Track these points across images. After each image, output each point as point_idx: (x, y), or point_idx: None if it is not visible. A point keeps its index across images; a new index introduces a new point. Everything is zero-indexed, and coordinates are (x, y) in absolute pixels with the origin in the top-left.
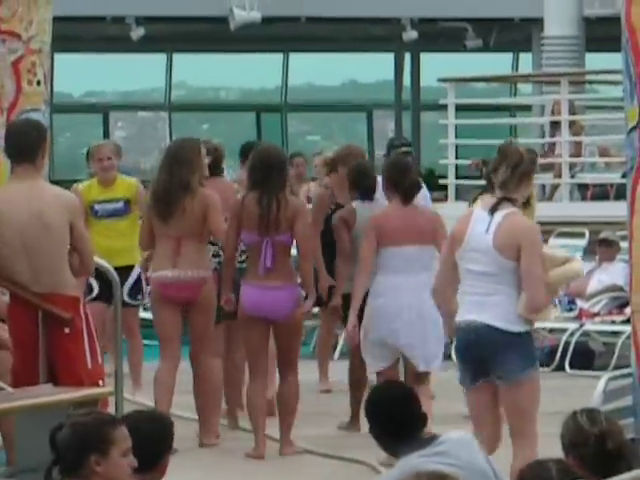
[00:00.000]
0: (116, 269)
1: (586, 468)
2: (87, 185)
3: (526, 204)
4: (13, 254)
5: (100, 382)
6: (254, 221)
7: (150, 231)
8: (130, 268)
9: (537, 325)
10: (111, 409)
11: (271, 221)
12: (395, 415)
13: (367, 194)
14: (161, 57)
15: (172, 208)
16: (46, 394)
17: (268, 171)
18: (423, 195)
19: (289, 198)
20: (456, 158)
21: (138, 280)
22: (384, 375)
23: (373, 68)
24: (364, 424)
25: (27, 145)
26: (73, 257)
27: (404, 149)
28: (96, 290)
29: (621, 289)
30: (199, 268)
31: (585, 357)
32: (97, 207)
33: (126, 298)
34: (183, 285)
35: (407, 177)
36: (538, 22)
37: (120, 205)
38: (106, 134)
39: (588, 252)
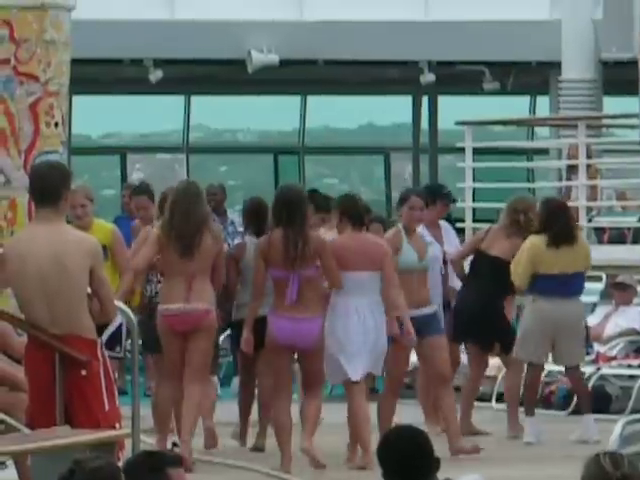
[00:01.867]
0: None
1: None
2: None
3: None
4: (31, 295)
5: (117, 424)
6: (281, 257)
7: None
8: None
9: (554, 368)
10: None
11: (297, 257)
12: (407, 460)
13: (260, 231)
14: (179, 99)
15: (194, 246)
16: (63, 436)
17: (292, 209)
18: (447, 231)
19: (311, 234)
20: (473, 201)
21: (118, 330)
22: (349, 385)
23: (391, 111)
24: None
25: (49, 189)
26: (93, 302)
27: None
28: None
29: (638, 333)
30: (207, 301)
31: (602, 401)
32: None
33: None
34: (187, 316)
35: (356, 207)
36: (555, 66)
37: None
38: (124, 176)
39: (605, 296)
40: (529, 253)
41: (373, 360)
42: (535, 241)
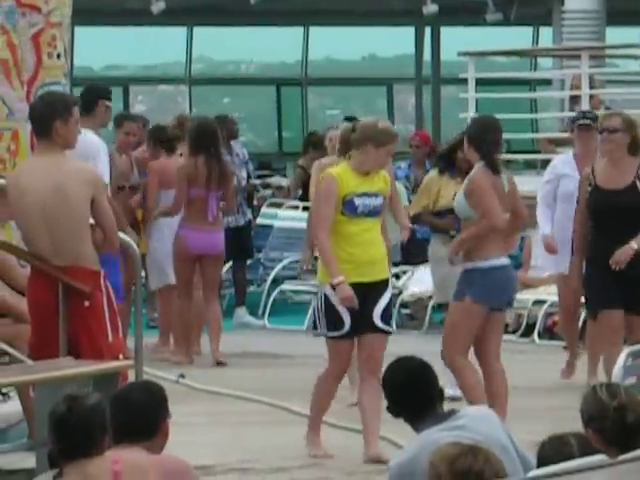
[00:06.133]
0: (369, 285)
1: (605, 441)
2: (342, 171)
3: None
4: (34, 227)
5: (120, 356)
6: (202, 179)
7: None
8: (386, 283)
9: (556, 299)
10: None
11: (216, 179)
12: (412, 391)
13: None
14: (181, 31)
15: None
16: (66, 367)
17: (211, 138)
18: None
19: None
20: None
21: (390, 301)
22: None
23: (393, 42)
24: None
25: (38, 121)
26: (97, 232)
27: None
28: (347, 324)
29: None
30: None
31: None
32: (358, 202)
33: (378, 322)
34: None
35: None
36: None
37: (380, 201)
38: (126, 108)
39: None
40: None
41: None
42: None
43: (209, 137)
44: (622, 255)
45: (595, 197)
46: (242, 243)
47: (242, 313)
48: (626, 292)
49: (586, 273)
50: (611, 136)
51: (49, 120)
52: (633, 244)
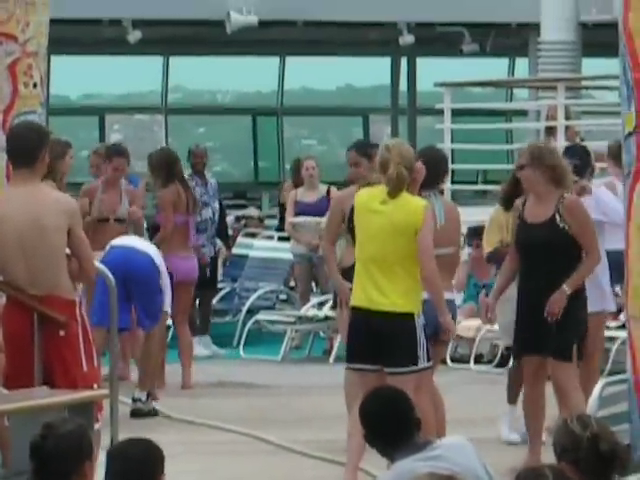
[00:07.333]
0: None
1: (581, 472)
2: None
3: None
4: (10, 257)
5: (95, 385)
6: (184, 206)
7: None
8: None
9: None
10: (106, 412)
11: (192, 204)
12: (387, 421)
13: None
14: (158, 60)
15: None
16: (41, 396)
17: (178, 167)
18: None
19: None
20: (452, 163)
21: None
22: None
23: (369, 72)
24: None
25: (26, 149)
26: (72, 262)
27: None
28: None
29: (617, 295)
30: None
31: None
32: None
33: None
34: None
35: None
36: (535, 27)
37: None
38: (102, 137)
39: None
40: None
41: None
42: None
43: (178, 165)
44: (555, 306)
45: (518, 231)
46: (210, 274)
47: (207, 342)
48: (545, 334)
49: (516, 311)
50: (520, 173)
51: (37, 149)
52: (565, 288)
